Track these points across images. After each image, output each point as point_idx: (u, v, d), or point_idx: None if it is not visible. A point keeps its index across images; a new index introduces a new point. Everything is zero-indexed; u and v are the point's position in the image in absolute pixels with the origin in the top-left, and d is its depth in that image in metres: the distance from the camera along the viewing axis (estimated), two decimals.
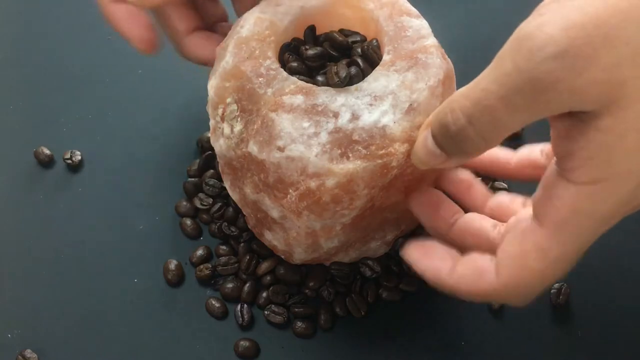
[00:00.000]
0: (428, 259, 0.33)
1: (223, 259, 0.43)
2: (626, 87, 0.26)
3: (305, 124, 0.34)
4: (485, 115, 0.28)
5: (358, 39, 0.38)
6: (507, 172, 0.38)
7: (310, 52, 0.37)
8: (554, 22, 0.26)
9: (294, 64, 0.37)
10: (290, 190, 0.35)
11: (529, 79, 0.26)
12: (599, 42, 0.26)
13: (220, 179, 0.45)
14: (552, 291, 0.42)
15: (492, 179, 0.45)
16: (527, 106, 0.27)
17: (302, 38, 0.38)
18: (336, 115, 0.34)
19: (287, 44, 0.38)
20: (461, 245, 0.35)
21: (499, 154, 0.38)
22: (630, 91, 0.27)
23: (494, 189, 0.44)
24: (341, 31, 0.39)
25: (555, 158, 0.30)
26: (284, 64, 0.38)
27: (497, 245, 0.32)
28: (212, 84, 0.38)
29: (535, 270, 0.30)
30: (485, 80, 0.28)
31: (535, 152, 0.37)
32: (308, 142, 0.34)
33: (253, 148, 0.35)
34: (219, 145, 0.38)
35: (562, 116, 0.28)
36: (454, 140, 0.30)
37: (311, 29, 0.38)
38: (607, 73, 0.26)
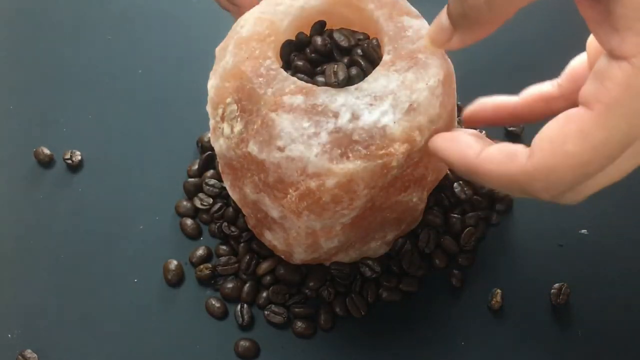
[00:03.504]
0: (455, 144, 0.32)
1: (223, 259, 0.43)
2: None
3: (305, 124, 0.34)
4: None
5: (361, 37, 0.38)
6: (516, 113, 0.36)
7: (319, 44, 0.36)
8: None
9: (300, 62, 0.37)
10: (290, 190, 0.35)
11: None
12: None
13: (220, 179, 0.45)
14: (552, 291, 0.42)
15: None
16: None
17: (306, 34, 0.38)
18: (336, 115, 0.34)
19: (289, 41, 0.38)
20: None
21: (501, 98, 0.36)
22: None
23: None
24: (341, 31, 0.39)
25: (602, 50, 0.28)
26: (285, 62, 0.38)
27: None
28: (212, 84, 0.38)
29: (571, 154, 0.27)
30: None
31: (544, 86, 0.35)
32: (308, 142, 0.34)
33: (253, 148, 0.35)
34: (219, 145, 0.38)
35: None
36: (460, 8, 0.30)
37: (321, 24, 0.38)
38: None
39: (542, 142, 0.28)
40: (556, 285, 0.42)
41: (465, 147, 0.31)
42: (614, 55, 0.27)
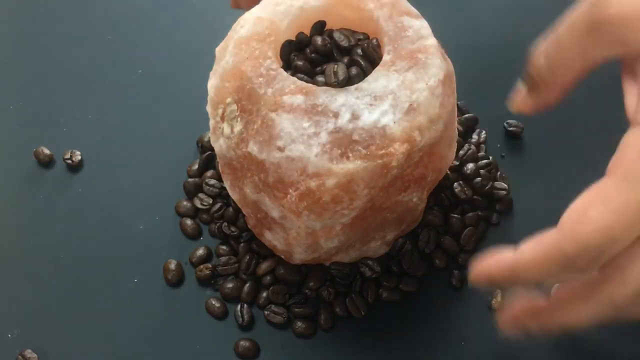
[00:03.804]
0: (489, 259, 0.33)
1: (223, 259, 0.43)
2: None
3: (305, 124, 0.34)
4: (553, 41, 0.32)
5: (361, 37, 0.38)
6: None
7: (319, 44, 0.37)
8: None
9: (299, 62, 0.37)
10: (290, 190, 0.35)
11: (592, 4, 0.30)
12: None
13: (220, 179, 0.45)
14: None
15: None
16: (585, 33, 0.30)
17: (306, 34, 0.38)
18: (336, 115, 0.34)
19: (289, 41, 0.38)
20: None
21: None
22: None
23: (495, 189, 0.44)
24: (341, 31, 0.39)
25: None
26: (285, 62, 0.38)
27: None
28: (212, 84, 0.38)
29: (595, 220, 0.28)
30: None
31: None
32: (308, 142, 0.34)
33: (253, 148, 0.35)
34: (219, 145, 0.38)
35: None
36: (531, 70, 0.33)
37: (321, 24, 0.38)
38: None
39: (570, 213, 0.29)
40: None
41: (497, 257, 0.32)
42: (633, 123, 0.29)
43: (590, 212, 0.28)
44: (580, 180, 0.30)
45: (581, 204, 0.29)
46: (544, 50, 0.32)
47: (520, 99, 0.35)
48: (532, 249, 0.30)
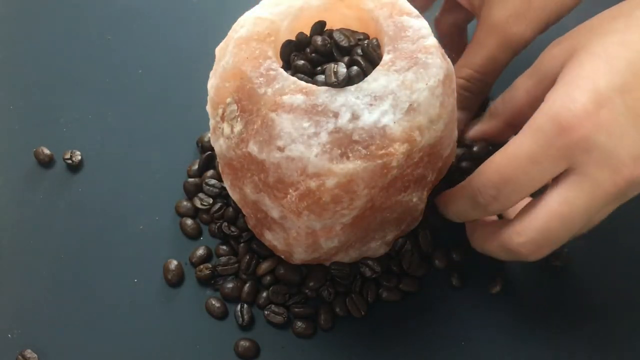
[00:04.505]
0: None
1: (223, 259, 0.43)
2: None
3: (305, 124, 0.34)
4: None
5: (361, 37, 0.38)
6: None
7: (319, 44, 0.37)
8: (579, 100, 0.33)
9: (300, 62, 0.37)
10: (290, 190, 0.35)
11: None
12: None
13: (220, 179, 0.45)
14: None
15: None
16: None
17: (306, 34, 0.38)
18: (336, 115, 0.34)
19: (289, 41, 0.38)
20: None
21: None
22: None
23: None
24: (341, 31, 0.39)
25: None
26: (285, 62, 0.38)
27: None
28: (212, 84, 0.38)
29: (494, 162, 0.36)
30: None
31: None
32: (308, 142, 0.34)
33: (253, 148, 0.35)
34: (219, 145, 0.38)
35: None
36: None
37: (321, 24, 0.38)
38: None
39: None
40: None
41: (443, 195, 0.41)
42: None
43: (493, 158, 0.35)
44: None
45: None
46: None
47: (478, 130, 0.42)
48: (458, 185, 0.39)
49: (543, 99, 0.35)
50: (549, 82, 0.36)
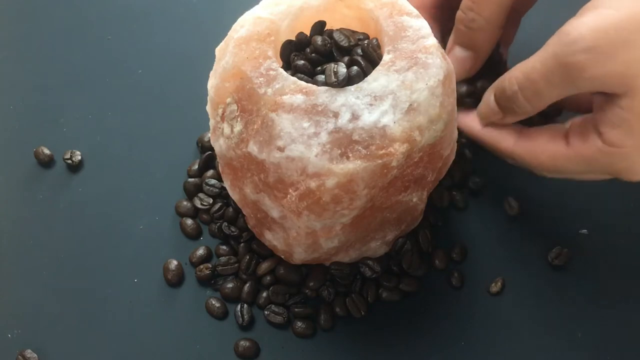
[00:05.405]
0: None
1: (223, 259, 0.43)
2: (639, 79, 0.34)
3: (305, 124, 0.34)
4: (530, 85, 0.37)
5: (361, 37, 0.38)
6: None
7: (319, 44, 0.37)
8: (587, 24, 0.34)
9: (300, 62, 0.37)
10: (290, 190, 0.35)
11: (563, 64, 0.35)
12: (619, 43, 0.34)
13: (220, 179, 0.45)
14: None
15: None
16: (560, 84, 0.36)
17: (306, 34, 0.38)
18: (336, 115, 0.34)
19: (289, 41, 0.38)
20: None
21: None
22: None
23: None
24: (341, 31, 0.39)
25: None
26: (285, 62, 0.38)
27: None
28: (212, 84, 0.38)
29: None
30: (533, 59, 0.37)
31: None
32: (308, 142, 0.34)
33: (253, 148, 0.35)
34: (219, 145, 0.38)
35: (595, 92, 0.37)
36: (507, 101, 0.39)
37: (321, 24, 0.38)
38: (624, 66, 0.34)
39: None
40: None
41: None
42: (597, 129, 0.37)
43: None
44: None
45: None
46: (523, 91, 0.38)
47: (493, 117, 0.41)
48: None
49: None
50: None
